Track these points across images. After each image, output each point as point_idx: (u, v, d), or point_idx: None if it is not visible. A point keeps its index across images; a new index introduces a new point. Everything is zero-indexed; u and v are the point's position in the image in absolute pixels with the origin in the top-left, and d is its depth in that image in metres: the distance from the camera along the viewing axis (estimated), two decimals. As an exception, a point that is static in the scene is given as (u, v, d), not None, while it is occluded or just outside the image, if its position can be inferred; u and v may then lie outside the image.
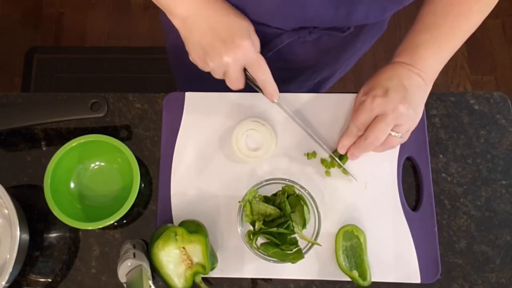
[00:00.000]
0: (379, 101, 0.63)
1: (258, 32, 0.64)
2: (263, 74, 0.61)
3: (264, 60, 0.61)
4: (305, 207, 0.64)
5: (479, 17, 0.65)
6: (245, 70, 0.62)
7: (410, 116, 0.63)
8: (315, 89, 0.98)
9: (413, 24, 0.68)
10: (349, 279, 0.65)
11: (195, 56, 0.62)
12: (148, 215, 0.70)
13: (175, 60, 0.94)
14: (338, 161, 0.68)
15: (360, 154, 0.66)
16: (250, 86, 0.65)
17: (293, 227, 0.63)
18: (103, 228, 0.67)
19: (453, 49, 0.66)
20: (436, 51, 0.65)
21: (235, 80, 0.62)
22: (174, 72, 1.04)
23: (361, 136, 0.65)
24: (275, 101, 0.65)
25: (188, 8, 0.59)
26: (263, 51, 0.72)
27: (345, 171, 0.69)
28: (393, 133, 0.64)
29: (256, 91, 0.66)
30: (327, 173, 0.70)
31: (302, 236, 0.63)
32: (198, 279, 0.62)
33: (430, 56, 0.65)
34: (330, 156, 0.69)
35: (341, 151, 0.68)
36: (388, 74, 0.66)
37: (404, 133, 0.64)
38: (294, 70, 0.83)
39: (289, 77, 0.85)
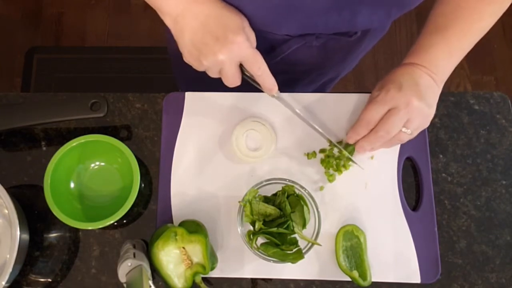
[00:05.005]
0: (393, 93, 0.63)
1: (265, 39, 0.63)
2: (260, 69, 0.59)
3: (260, 55, 0.59)
4: (305, 207, 0.64)
5: (491, 20, 0.65)
6: (241, 65, 0.60)
7: (422, 112, 0.63)
8: (320, 90, 0.98)
9: (424, 26, 0.67)
10: (349, 279, 0.65)
11: (189, 57, 0.59)
12: (148, 215, 0.70)
13: (178, 64, 0.94)
14: (340, 147, 0.68)
15: (369, 147, 0.66)
16: (250, 85, 0.65)
17: (293, 227, 0.63)
18: (103, 228, 0.67)
19: (464, 50, 0.66)
20: (447, 52, 0.64)
21: (231, 77, 0.59)
22: (177, 75, 1.03)
23: (372, 129, 0.65)
24: (275, 95, 0.63)
25: (177, 5, 0.57)
26: (270, 57, 0.71)
27: (347, 163, 0.69)
28: (403, 129, 0.63)
29: (255, 87, 0.66)
30: (327, 173, 0.70)
31: (302, 236, 0.63)
32: (198, 279, 0.62)
33: (441, 57, 0.64)
34: (332, 144, 0.69)
35: (350, 141, 0.67)
36: (400, 72, 0.66)
37: (413, 130, 0.64)
38: (300, 73, 0.83)
39: (295, 79, 0.85)
